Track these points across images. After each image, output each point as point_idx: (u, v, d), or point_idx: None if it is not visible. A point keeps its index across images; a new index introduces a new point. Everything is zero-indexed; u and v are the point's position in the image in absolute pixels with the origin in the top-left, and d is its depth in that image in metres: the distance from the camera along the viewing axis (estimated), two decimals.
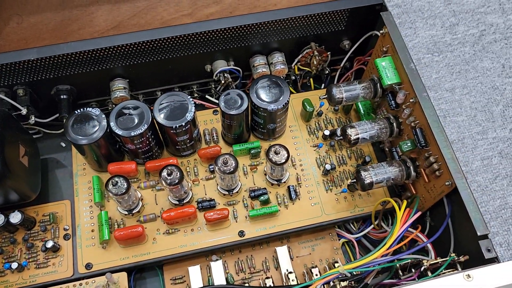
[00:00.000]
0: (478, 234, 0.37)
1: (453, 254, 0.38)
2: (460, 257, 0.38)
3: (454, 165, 0.39)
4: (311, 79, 0.57)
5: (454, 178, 0.39)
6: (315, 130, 0.53)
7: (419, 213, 0.41)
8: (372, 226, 0.48)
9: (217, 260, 0.48)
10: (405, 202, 0.41)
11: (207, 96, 0.55)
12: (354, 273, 0.37)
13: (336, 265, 0.40)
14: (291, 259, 0.49)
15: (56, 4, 0.64)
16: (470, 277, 0.34)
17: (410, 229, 0.42)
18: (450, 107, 0.61)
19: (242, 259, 0.49)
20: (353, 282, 0.37)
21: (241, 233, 0.47)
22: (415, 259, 0.39)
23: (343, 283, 0.36)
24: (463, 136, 0.59)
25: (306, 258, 0.49)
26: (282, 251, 0.48)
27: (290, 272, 0.45)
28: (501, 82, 0.62)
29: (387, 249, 0.36)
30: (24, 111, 0.48)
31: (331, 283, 0.37)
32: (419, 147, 0.42)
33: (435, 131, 0.40)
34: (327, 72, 0.57)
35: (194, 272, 0.47)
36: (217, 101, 0.54)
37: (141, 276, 0.49)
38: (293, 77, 0.56)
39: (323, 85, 0.57)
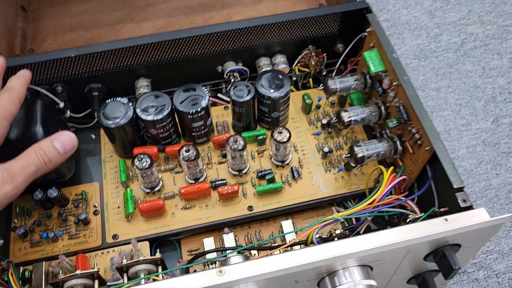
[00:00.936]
0: (454, 186, 0.43)
1: (433, 208, 0.44)
2: (441, 209, 0.44)
3: (432, 131, 0.45)
4: (310, 79, 0.64)
5: (432, 143, 0.45)
6: (315, 121, 0.60)
7: (404, 177, 0.47)
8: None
9: (228, 232, 0.53)
10: (391, 168, 0.47)
11: (218, 95, 0.63)
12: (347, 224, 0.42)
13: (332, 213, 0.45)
14: (295, 232, 0.54)
15: (87, 24, 0.73)
16: (447, 220, 0.40)
17: (401, 197, 0.47)
18: (436, 103, 0.67)
19: (251, 233, 0.55)
20: (347, 231, 0.43)
21: (250, 208, 0.53)
22: (402, 213, 0.44)
23: (338, 231, 0.42)
24: (449, 128, 0.65)
25: (308, 231, 0.54)
26: (287, 225, 0.53)
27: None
28: (482, 82, 0.69)
29: (376, 201, 0.42)
30: (61, 105, 0.55)
31: (328, 232, 0.43)
32: (403, 122, 0.49)
33: (415, 106, 0.47)
34: (324, 73, 0.64)
35: (209, 243, 0.53)
36: (227, 99, 0.62)
37: (161, 250, 0.54)
38: (294, 78, 0.63)
39: (321, 85, 0.65)
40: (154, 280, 0.42)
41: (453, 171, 0.44)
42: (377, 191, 0.43)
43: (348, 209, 0.42)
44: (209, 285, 0.36)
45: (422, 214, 0.44)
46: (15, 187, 0.39)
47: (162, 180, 0.54)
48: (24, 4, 0.72)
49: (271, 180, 0.54)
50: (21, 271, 0.48)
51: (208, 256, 0.49)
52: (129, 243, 0.51)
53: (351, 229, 0.44)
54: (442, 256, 0.41)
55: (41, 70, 0.54)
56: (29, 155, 0.41)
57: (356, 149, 0.50)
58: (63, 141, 0.43)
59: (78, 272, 0.43)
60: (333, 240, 0.42)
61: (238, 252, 0.47)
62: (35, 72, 0.54)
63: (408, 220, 0.43)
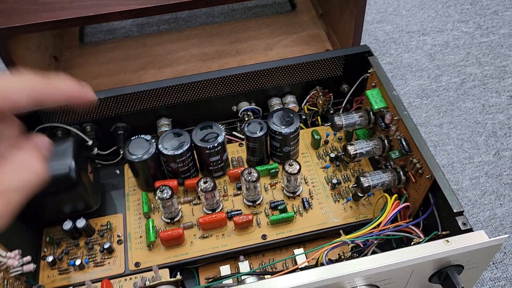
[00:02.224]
0: (454, 211, 0.46)
1: (435, 231, 0.46)
2: (443, 232, 0.46)
3: (432, 161, 0.49)
4: (319, 117, 0.69)
5: (432, 171, 0.49)
6: (323, 155, 0.64)
7: (407, 203, 0.50)
8: None
9: (244, 260, 0.56)
10: (395, 195, 0.50)
11: (233, 132, 0.67)
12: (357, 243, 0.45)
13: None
14: (305, 256, 0.56)
15: (112, 71, 0.80)
16: (448, 242, 0.43)
17: (402, 223, 0.50)
18: (439, 138, 0.71)
19: (265, 261, 0.58)
20: (355, 254, 0.46)
21: (264, 236, 0.57)
22: (407, 236, 0.47)
23: (347, 255, 0.45)
24: (452, 161, 0.68)
25: (318, 253, 0.56)
26: (299, 253, 0.56)
27: None
28: (482, 118, 0.73)
29: (382, 225, 0.45)
30: (90, 142, 0.60)
31: (337, 255, 0.46)
32: (405, 153, 0.53)
33: (415, 138, 0.51)
34: (331, 111, 0.69)
35: (225, 271, 0.55)
36: (242, 136, 0.67)
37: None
38: (304, 116, 0.68)
39: (328, 122, 0.69)
40: None
41: (452, 196, 0.47)
42: (381, 216, 0.47)
43: (355, 232, 0.45)
44: None
45: (425, 238, 0.47)
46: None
47: (181, 211, 0.58)
48: (56, 54, 0.80)
49: (283, 210, 0.58)
50: None
51: (225, 282, 0.52)
52: (151, 270, 0.54)
53: (358, 251, 0.46)
54: (446, 276, 0.43)
55: (73, 111, 0.60)
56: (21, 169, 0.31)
57: (362, 179, 0.54)
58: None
59: None
60: (341, 261, 0.44)
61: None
62: (68, 113, 0.60)
63: (412, 243, 0.46)
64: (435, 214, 0.50)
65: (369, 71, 0.60)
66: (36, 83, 0.30)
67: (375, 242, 0.47)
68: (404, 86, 0.78)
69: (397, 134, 0.55)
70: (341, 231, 0.47)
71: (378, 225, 0.47)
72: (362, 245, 0.52)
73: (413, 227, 0.49)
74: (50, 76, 0.31)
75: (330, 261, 0.44)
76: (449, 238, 0.43)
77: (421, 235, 0.49)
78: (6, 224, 0.28)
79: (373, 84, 0.59)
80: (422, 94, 0.77)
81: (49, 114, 0.60)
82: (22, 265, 0.48)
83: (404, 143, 0.53)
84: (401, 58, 0.83)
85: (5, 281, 0.46)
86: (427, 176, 0.49)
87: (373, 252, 0.48)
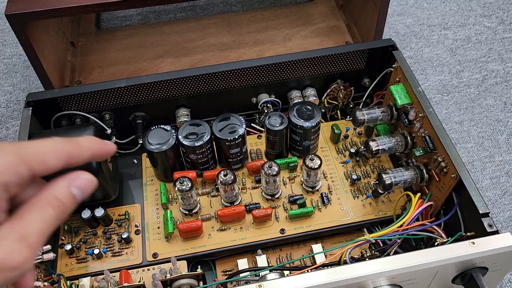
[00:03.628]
0: (480, 212, 0.45)
1: (460, 232, 0.46)
2: (467, 233, 0.46)
3: (457, 160, 0.48)
4: (338, 111, 0.68)
5: (458, 170, 0.48)
6: (343, 150, 0.63)
7: (431, 203, 0.49)
8: None
9: (261, 254, 0.56)
10: (418, 194, 0.50)
11: (252, 124, 0.67)
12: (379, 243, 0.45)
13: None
14: (325, 256, 0.56)
15: (129, 58, 0.79)
16: (474, 243, 0.42)
17: (426, 222, 0.50)
18: (459, 136, 0.70)
19: (282, 255, 0.57)
20: (377, 253, 0.45)
21: (282, 231, 0.56)
22: (430, 237, 0.47)
23: (368, 254, 0.44)
24: (472, 159, 0.67)
25: (340, 251, 0.56)
26: (317, 248, 0.56)
27: None
28: (504, 116, 0.72)
29: (405, 224, 0.45)
30: (109, 131, 0.60)
31: (359, 253, 0.45)
32: (429, 151, 0.52)
33: (440, 135, 0.50)
34: (351, 106, 0.68)
35: (242, 264, 0.55)
36: (260, 129, 0.66)
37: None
38: (323, 110, 0.67)
39: (348, 116, 0.68)
40: None
41: (478, 197, 0.46)
42: (405, 215, 0.46)
43: (379, 231, 0.45)
44: None
45: (449, 238, 0.46)
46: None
47: (199, 203, 0.58)
48: (73, 40, 0.79)
49: (302, 205, 0.57)
50: (68, 284, 0.51)
51: (242, 275, 0.52)
52: (168, 261, 0.54)
53: (381, 251, 0.46)
54: (470, 278, 0.43)
55: (93, 99, 0.59)
56: (43, 208, 0.29)
57: (384, 176, 0.53)
58: (82, 186, 0.31)
59: (125, 284, 0.46)
60: (364, 260, 0.44)
61: (270, 272, 0.49)
62: (87, 100, 0.59)
63: (436, 244, 0.45)
64: (458, 214, 0.49)
65: (393, 65, 0.59)
66: (65, 146, 0.31)
67: (398, 241, 0.46)
68: (425, 81, 0.77)
69: (421, 131, 0.54)
70: (364, 230, 0.47)
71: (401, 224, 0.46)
72: (381, 244, 0.51)
73: (435, 227, 0.49)
74: (75, 138, 0.32)
75: (353, 260, 0.44)
76: (475, 240, 0.42)
77: (444, 236, 0.48)
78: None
79: (397, 79, 0.58)
80: (443, 90, 0.76)
81: (68, 102, 0.59)
82: (42, 254, 0.48)
83: (428, 140, 0.52)
84: (421, 52, 0.82)
85: None
86: (452, 175, 0.48)
87: (395, 252, 0.48)
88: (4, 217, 0.27)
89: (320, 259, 0.53)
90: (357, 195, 0.59)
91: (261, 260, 0.55)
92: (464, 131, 0.71)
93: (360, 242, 0.44)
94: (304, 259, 0.56)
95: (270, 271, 0.48)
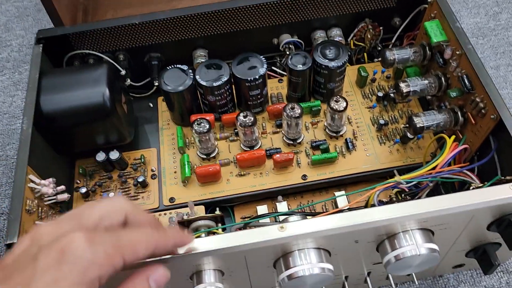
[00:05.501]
0: None
1: (498, 176, 0.43)
2: (506, 177, 0.42)
3: (498, 99, 0.44)
4: (365, 54, 0.63)
5: (498, 110, 0.44)
6: (369, 95, 0.59)
7: (466, 145, 0.46)
8: None
9: (282, 201, 0.54)
10: (453, 136, 0.46)
11: (273, 67, 0.63)
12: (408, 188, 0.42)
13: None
14: (348, 201, 0.54)
15: (144, 0, 0.75)
16: None
17: (460, 167, 0.46)
18: (495, 81, 0.65)
19: (303, 202, 0.55)
20: (408, 197, 0.42)
21: (304, 177, 0.54)
22: (464, 181, 0.44)
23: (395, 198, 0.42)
24: (508, 106, 0.63)
25: (368, 193, 0.53)
26: (339, 195, 0.53)
27: None
28: None
29: (439, 167, 0.41)
30: (123, 72, 0.57)
31: (388, 196, 0.42)
32: (466, 92, 0.48)
33: (480, 74, 0.46)
34: (379, 48, 0.63)
35: (262, 211, 0.53)
36: (282, 72, 0.62)
37: None
38: (349, 52, 0.63)
39: (375, 59, 0.64)
40: (214, 233, 0.42)
41: None
42: (439, 157, 0.43)
43: (410, 173, 0.42)
44: (270, 239, 0.37)
45: (485, 183, 0.43)
46: None
47: (217, 147, 0.55)
48: None
49: (326, 150, 0.54)
50: None
51: (262, 221, 0.50)
52: (185, 206, 0.52)
53: (411, 194, 0.43)
54: (508, 225, 0.40)
55: (105, 37, 0.56)
56: None
57: (415, 119, 0.49)
58: (159, 280, 0.32)
59: None
60: (394, 203, 0.41)
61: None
62: (100, 39, 0.56)
63: (471, 188, 0.42)
64: (495, 159, 0.46)
65: (428, 0, 0.54)
66: (154, 236, 0.31)
67: (430, 185, 0.43)
68: None
69: (458, 71, 0.50)
70: (395, 171, 0.43)
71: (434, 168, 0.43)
72: (407, 190, 0.48)
73: (469, 173, 0.46)
74: (163, 228, 0.33)
75: (381, 203, 0.41)
76: None
77: (478, 181, 0.45)
78: (109, 274, 0.28)
79: (432, 15, 0.54)
80: (478, 33, 0.70)
81: (81, 40, 0.56)
82: (56, 194, 0.47)
83: (466, 80, 0.48)
84: None
85: (40, 208, 0.45)
86: (492, 116, 0.44)
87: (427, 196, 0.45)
88: None
89: (343, 203, 0.51)
90: (384, 141, 0.55)
91: (282, 206, 0.53)
92: (501, 76, 0.66)
93: (390, 184, 0.41)
94: (326, 205, 0.54)
95: (291, 215, 0.46)
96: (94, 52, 0.57)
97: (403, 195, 0.42)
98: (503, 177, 0.42)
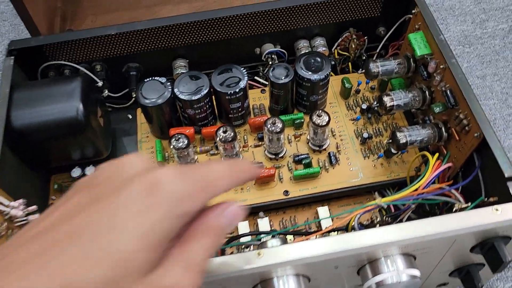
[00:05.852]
0: (506, 175, 0.41)
1: (481, 197, 0.42)
2: (490, 199, 0.42)
3: (481, 116, 0.43)
4: (350, 64, 0.62)
5: (482, 129, 0.43)
6: (353, 106, 0.58)
7: (450, 164, 0.45)
8: None
9: (263, 217, 0.52)
10: (436, 154, 0.45)
11: (255, 77, 0.61)
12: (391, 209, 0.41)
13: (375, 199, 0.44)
14: (332, 219, 0.53)
15: (126, 5, 0.73)
16: (497, 210, 0.38)
17: (444, 186, 0.45)
18: (481, 92, 0.65)
19: (286, 218, 0.54)
20: (389, 219, 0.41)
21: (286, 193, 0.52)
22: (447, 202, 0.43)
23: (379, 219, 0.41)
24: (494, 117, 0.62)
25: (349, 217, 0.52)
26: (323, 211, 0.52)
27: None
28: None
29: (421, 188, 0.40)
30: (100, 83, 0.55)
31: (369, 219, 0.41)
32: (450, 107, 0.47)
33: (463, 89, 0.45)
34: (364, 57, 0.62)
35: (243, 227, 0.52)
36: (265, 82, 0.61)
37: None
38: (333, 62, 0.62)
39: (360, 69, 0.63)
40: None
41: (504, 158, 0.42)
42: (422, 178, 0.42)
43: (392, 195, 0.41)
44: (247, 268, 0.35)
45: (469, 204, 0.42)
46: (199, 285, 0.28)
47: (197, 162, 0.54)
48: None
49: (308, 165, 0.53)
50: None
51: (243, 239, 0.48)
52: None
53: (393, 216, 0.42)
54: (491, 248, 0.39)
55: (81, 48, 0.54)
56: (204, 238, 0.28)
57: (398, 134, 0.48)
58: (233, 216, 0.30)
59: None
60: (374, 227, 0.40)
61: (273, 237, 0.46)
62: (76, 49, 0.54)
63: (454, 210, 0.41)
64: (479, 177, 0.45)
65: (412, 11, 0.53)
66: (233, 170, 0.29)
67: (413, 206, 0.42)
68: (445, 32, 0.71)
69: (442, 85, 0.48)
70: (376, 193, 0.42)
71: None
72: (393, 210, 0.47)
73: (454, 191, 0.45)
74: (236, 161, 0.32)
75: (362, 226, 0.40)
76: (499, 206, 0.38)
77: (462, 200, 0.44)
78: (198, 209, 0.26)
79: (416, 26, 0.52)
80: (465, 41, 0.70)
81: (56, 51, 0.54)
82: (27, 215, 0.45)
83: (449, 95, 0.47)
84: (442, 0, 0.75)
85: (10, 231, 0.43)
86: (475, 135, 0.44)
87: (408, 218, 0.44)
88: (173, 243, 0.26)
89: (326, 223, 0.49)
90: (368, 155, 0.54)
91: (263, 223, 0.52)
92: (487, 86, 0.65)
93: (370, 207, 0.40)
94: (309, 224, 0.53)
95: (273, 236, 0.45)
96: (70, 63, 0.55)
97: (384, 217, 0.41)
98: (486, 199, 0.42)
